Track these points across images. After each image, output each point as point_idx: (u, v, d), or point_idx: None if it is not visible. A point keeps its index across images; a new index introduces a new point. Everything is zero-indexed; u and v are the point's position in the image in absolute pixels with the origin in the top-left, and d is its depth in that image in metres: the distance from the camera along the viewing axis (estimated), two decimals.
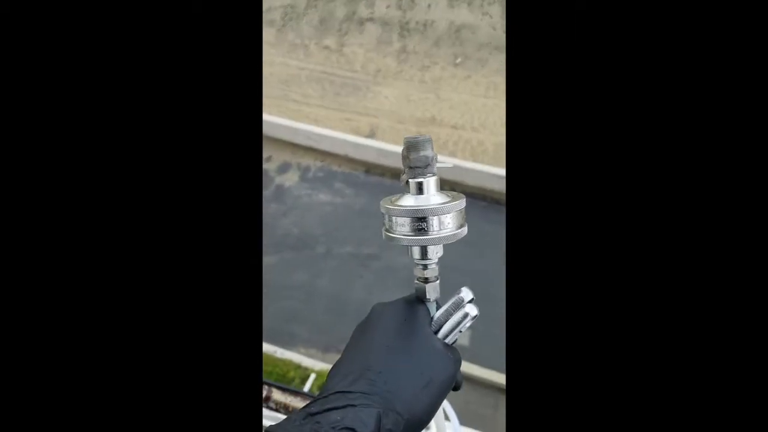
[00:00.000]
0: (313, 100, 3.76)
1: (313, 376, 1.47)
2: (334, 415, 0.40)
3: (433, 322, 0.49)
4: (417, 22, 4.13)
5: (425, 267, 0.49)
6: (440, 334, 0.49)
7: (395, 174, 3.19)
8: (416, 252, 0.49)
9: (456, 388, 0.49)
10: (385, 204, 0.48)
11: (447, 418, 0.64)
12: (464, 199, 0.48)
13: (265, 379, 0.93)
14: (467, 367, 2.35)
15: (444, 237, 0.46)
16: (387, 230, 0.49)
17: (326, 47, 4.12)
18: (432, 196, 0.47)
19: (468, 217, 0.48)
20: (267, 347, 2.46)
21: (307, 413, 0.41)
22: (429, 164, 0.47)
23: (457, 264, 2.70)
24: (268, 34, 4.23)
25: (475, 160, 3.17)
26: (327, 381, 0.45)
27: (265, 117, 3.47)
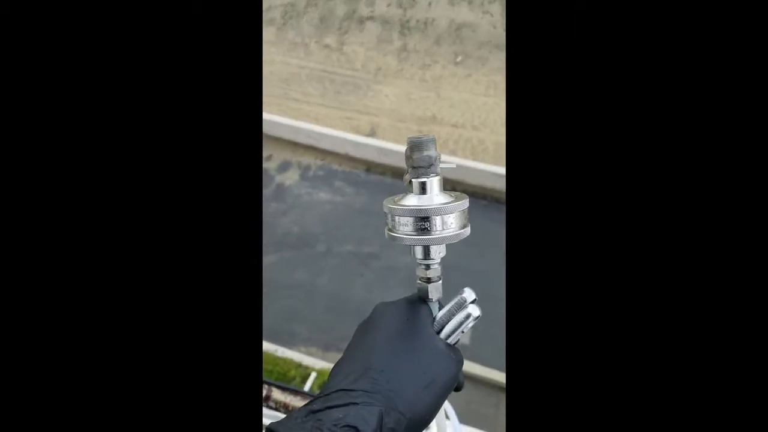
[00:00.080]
0: (314, 99, 3.76)
1: (313, 375, 1.47)
2: (336, 413, 0.40)
3: (435, 323, 0.49)
4: (417, 21, 4.13)
5: (428, 267, 0.49)
6: (442, 335, 0.48)
7: (396, 173, 3.19)
8: (419, 252, 0.49)
9: (458, 389, 0.49)
10: (388, 204, 0.48)
11: (447, 416, 0.64)
12: (467, 200, 0.48)
13: (265, 378, 0.93)
14: (469, 366, 2.35)
15: (447, 237, 0.46)
16: (390, 230, 0.49)
17: (327, 46, 4.12)
18: (435, 196, 0.47)
19: (468, 216, 0.48)
20: (267, 346, 2.46)
21: (309, 410, 0.41)
22: (432, 164, 0.47)
23: (458, 263, 2.70)
24: (268, 33, 4.23)
25: (475, 159, 3.17)
26: (329, 379, 0.45)
27: (266, 116, 3.46)
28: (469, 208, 0.48)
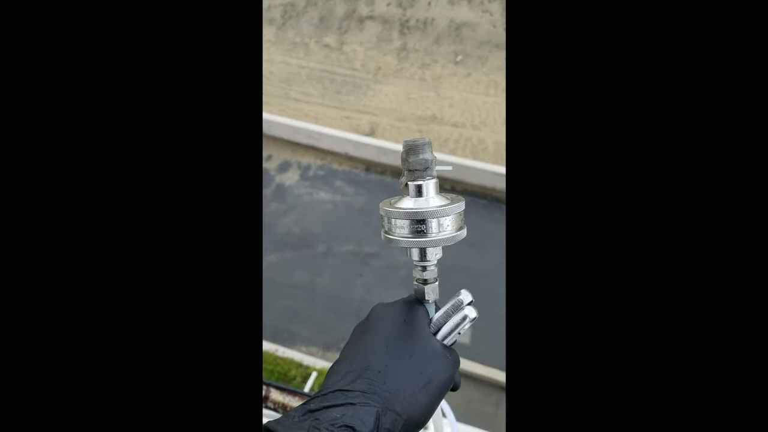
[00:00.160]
0: (314, 99, 3.76)
1: (314, 375, 1.47)
2: (334, 413, 0.40)
3: (432, 324, 0.49)
4: (417, 20, 4.12)
5: (424, 269, 0.50)
6: (439, 336, 0.49)
7: (396, 172, 3.19)
8: (415, 254, 0.49)
9: (454, 389, 0.49)
10: (384, 206, 0.49)
11: (443, 415, 0.64)
12: (463, 202, 0.48)
13: (264, 378, 0.93)
14: (469, 366, 2.35)
15: (443, 239, 0.47)
16: (386, 232, 0.49)
17: (326, 45, 4.12)
18: (431, 199, 0.47)
19: (468, 215, 0.49)
20: (268, 346, 2.46)
21: (306, 410, 0.41)
22: (428, 167, 0.47)
23: (458, 262, 2.70)
24: (268, 33, 4.23)
25: (475, 158, 3.17)
26: (326, 379, 0.45)
27: (266, 116, 3.47)
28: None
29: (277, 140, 3.47)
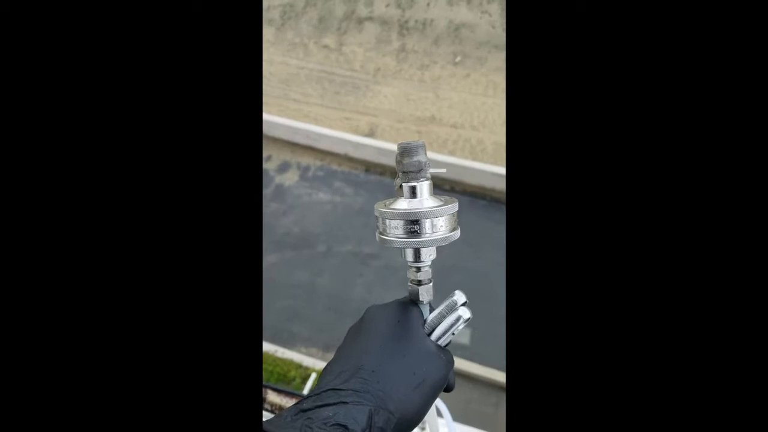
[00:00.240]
0: (313, 99, 3.77)
1: (314, 376, 1.48)
2: (326, 412, 0.40)
3: (426, 324, 0.50)
4: (416, 21, 4.13)
5: (418, 269, 0.50)
6: (433, 336, 0.49)
7: (395, 172, 3.20)
8: (409, 254, 0.49)
9: (448, 390, 0.50)
10: (378, 207, 0.49)
11: (440, 415, 0.64)
12: (457, 203, 0.48)
13: (263, 379, 0.93)
14: (468, 366, 2.36)
15: (436, 239, 0.47)
16: (381, 233, 0.49)
17: (325, 46, 4.12)
18: (425, 200, 0.48)
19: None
20: (268, 347, 2.47)
21: (299, 409, 0.41)
22: (422, 169, 0.47)
23: (457, 263, 2.71)
24: (267, 33, 4.23)
25: (474, 159, 3.17)
26: (320, 379, 0.45)
27: (265, 116, 3.47)
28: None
29: (276, 141, 3.48)
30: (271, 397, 0.92)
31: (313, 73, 3.96)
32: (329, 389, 0.43)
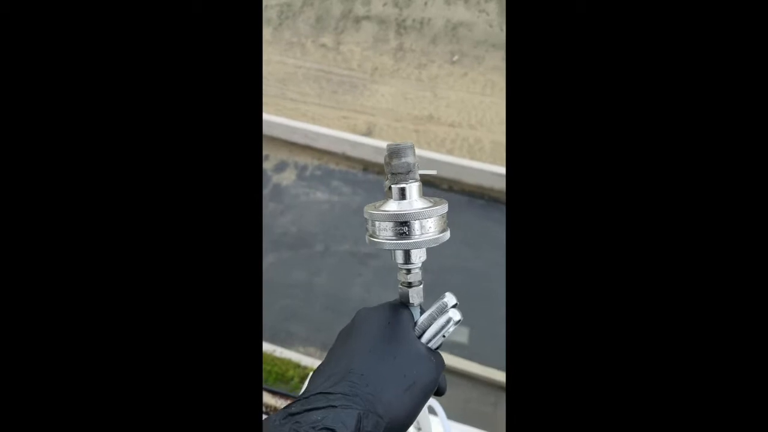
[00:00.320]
0: (310, 99, 3.77)
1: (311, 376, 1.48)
2: (315, 416, 0.40)
3: (416, 327, 0.49)
4: (414, 20, 4.12)
5: (408, 271, 0.50)
6: (424, 339, 0.49)
7: None
8: (399, 256, 0.49)
9: (439, 393, 0.49)
10: (368, 209, 0.49)
11: (434, 412, 0.64)
12: (446, 204, 0.48)
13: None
14: (467, 365, 2.35)
15: (426, 241, 0.47)
16: (371, 235, 0.49)
17: (323, 45, 4.12)
18: (414, 201, 0.47)
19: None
20: (266, 346, 2.46)
21: (287, 413, 0.41)
22: (411, 170, 0.47)
23: (456, 263, 2.71)
24: (264, 33, 4.23)
25: (472, 158, 3.17)
26: (309, 382, 0.45)
27: (263, 116, 3.47)
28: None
29: (274, 140, 3.48)
30: (266, 399, 0.92)
31: (311, 72, 3.95)
32: (318, 393, 0.42)
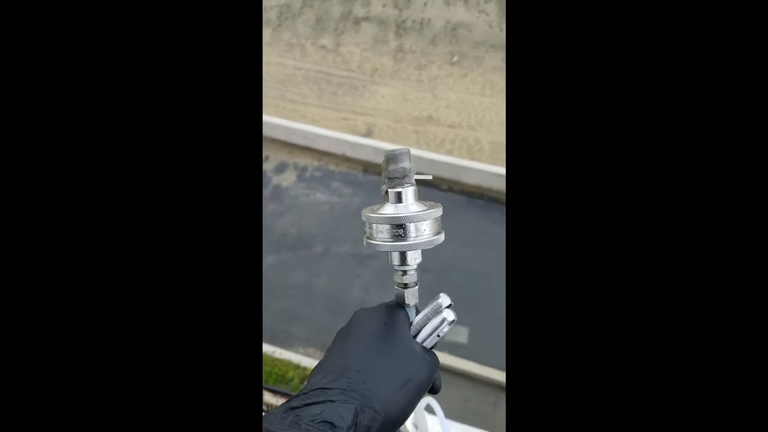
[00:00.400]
0: (310, 100, 3.78)
1: None
2: (314, 410, 0.42)
3: (412, 327, 0.51)
4: (413, 21, 4.14)
5: (404, 273, 0.51)
6: (419, 338, 0.50)
7: None
8: (396, 258, 0.51)
9: (433, 391, 0.51)
10: (366, 212, 0.50)
11: (432, 412, 0.65)
12: (440, 208, 0.50)
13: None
14: (467, 365, 2.36)
15: (421, 243, 0.48)
16: (368, 237, 0.50)
17: (322, 47, 4.13)
18: (410, 205, 0.49)
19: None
20: (266, 347, 2.47)
21: (288, 407, 0.43)
22: (407, 175, 0.49)
23: (456, 263, 2.71)
24: (264, 34, 4.23)
25: (471, 159, 3.18)
26: (309, 379, 0.47)
27: (263, 117, 3.47)
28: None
29: (273, 141, 3.48)
30: (267, 398, 0.93)
31: (310, 73, 3.96)
32: (317, 388, 0.44)
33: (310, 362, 2.44)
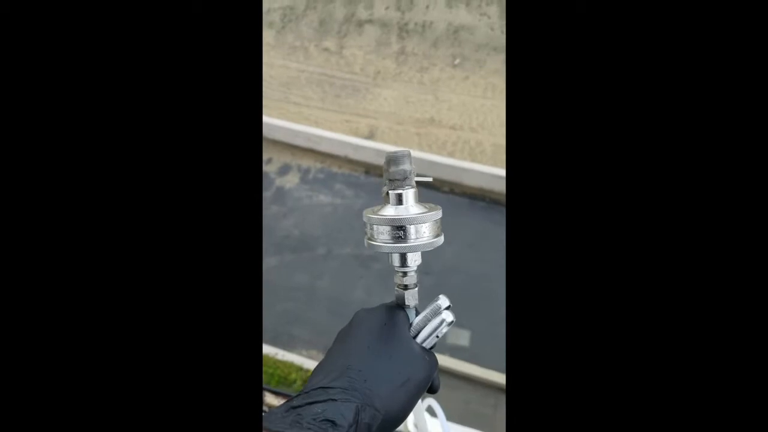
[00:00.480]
0: (313, 102, 3.78)
1: None
2: (315, 408, 0.42)
3: (412, 327, 0.51)
4: (415, 24, 4.14)
5: (404, 274, 0.52)
6: (418, 339, 0.51)
7: None
8: (396, 259, 0.51)
9: (432, 391, 0.51)
10: (367, 213, 0.51)
11: (434, 413, 0.66)
12: (440, 210, 0.50)
13: (263, 382, 0.95)
14: (467, 367, 2.36)
15: (421, 245, 0.49)
16: (369, 239, 0.51)
17: (326, 49, 4.14)
18: (410, 207, 0.49)
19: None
20: (268, 349, 2.48)
21: (289, 406, 0.43)
22: (407, 177, 0.49)
23: (457, 264, 2.72)
24: (267, 36, 4.25)
25: (473, 161, 3.18)
26: (310, 378, 0.47)
27: (266, 119, 3.49)
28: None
29: (276, 143, 3.49)
30: (269, 399, 0.94)
31: (314, 76, 3.97)
32: (318, 387, 0.44)
33: (312, 364, 2.44)
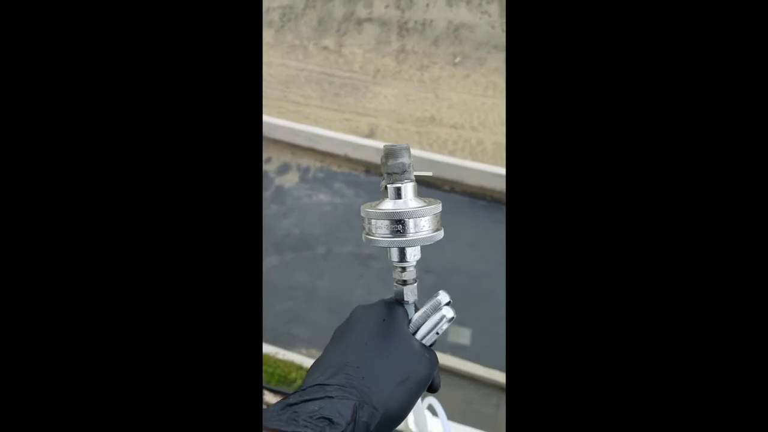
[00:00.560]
0: (313, 101, 3.78)
1: None
2: (312, 406, 0.41)
3: (411, 324, 0.50)
4: (415, 22, 4.14)
5: (403, 269, 0.50)
6: (418, 335, 0.50)
7: None
8: (395, 254, 0.50)
9: (432, 389, 0.50)
10: (365, 208, 0.50)
11: (435, 413, 0.65)
12: (440, 204, 0.49)
13: (263, 381, 0.94)
14: (469, 367, 2.36)
15: (420, 239, 0.48)
16: (367, 233, 0.50)
17: (325, 48, 4.13)
18: (409, 201, 0.48)
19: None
20: (268, 348, 2.47)
21: (285, 404, 0.42)
22: (406, 170, 0.48)
23: (457, 263, 2.71)
24: (266, 35, 4.24)
25: (474, 159, 3.18)
26: (307, 375, 0.46)
27: (265, 118, 3.48)
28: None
29: (276, 142, 3.49)
30: (268, 397, 0.93)
31: (313, 74, 3.97)
32: (315, 384, 0.43)
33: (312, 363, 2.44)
